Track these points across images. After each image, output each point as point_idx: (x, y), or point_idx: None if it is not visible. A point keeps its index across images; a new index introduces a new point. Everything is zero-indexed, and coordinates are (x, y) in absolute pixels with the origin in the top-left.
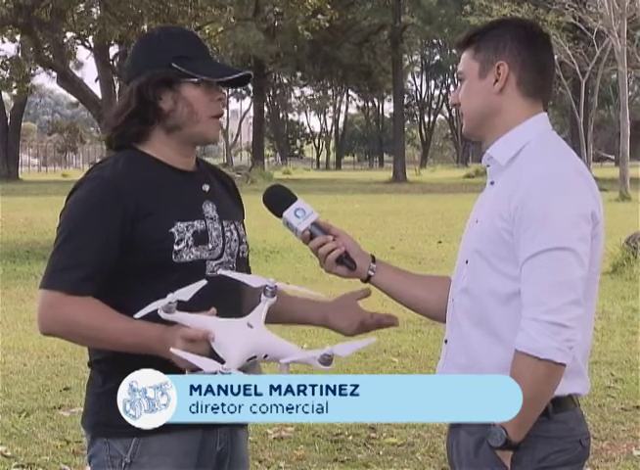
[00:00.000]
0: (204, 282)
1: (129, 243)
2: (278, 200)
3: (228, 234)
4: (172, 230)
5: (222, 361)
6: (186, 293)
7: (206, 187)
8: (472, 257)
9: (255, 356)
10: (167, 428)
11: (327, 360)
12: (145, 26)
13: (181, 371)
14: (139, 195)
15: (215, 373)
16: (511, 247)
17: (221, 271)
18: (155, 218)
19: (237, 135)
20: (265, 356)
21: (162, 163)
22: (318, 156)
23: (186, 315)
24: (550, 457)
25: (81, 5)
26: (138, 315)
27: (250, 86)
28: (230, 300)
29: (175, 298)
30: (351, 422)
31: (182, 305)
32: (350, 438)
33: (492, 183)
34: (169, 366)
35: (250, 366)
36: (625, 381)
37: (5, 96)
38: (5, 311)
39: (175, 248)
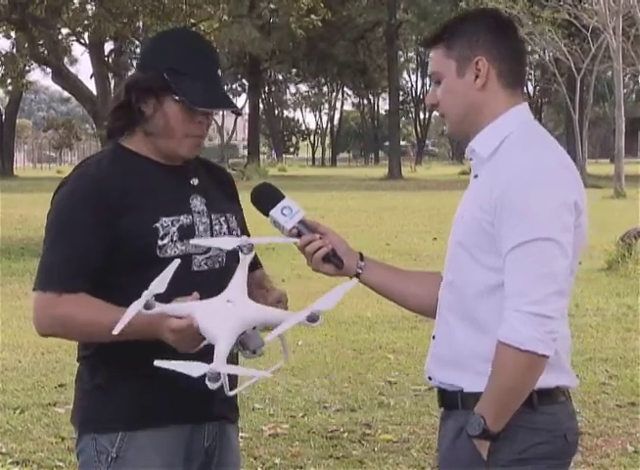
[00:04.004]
0: (176, 263)
1: (115, 239)
2: (265, 199)
3: (217, 227)
4: (157, 225)
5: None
6: (160, 284)
7: (195, 181)
8: (455, 249)
9: (245, 331)
10: (155, 423)
11: (314, 318)
12: (140, 23)
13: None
14: (123, 191)
15: (204, 376)
16: (492, 238)
17: (192, 241)
18: (139, 214)
19: (232, 132)
20: (254, 328)
21: (148, 158)
22: (313, 152)
23: (167, 306)
24: (530, 449)
25: (76, 1)
26: (116, 331)
27: (245, 83)
28: (216, 294)
29: (151, 293)
30: (346, 419)
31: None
32: (345, 434)
33: (476, 177)
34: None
35: (249, 338)
36: (620, 378)
37: None
38: (0, 308)
39: (159, 243)
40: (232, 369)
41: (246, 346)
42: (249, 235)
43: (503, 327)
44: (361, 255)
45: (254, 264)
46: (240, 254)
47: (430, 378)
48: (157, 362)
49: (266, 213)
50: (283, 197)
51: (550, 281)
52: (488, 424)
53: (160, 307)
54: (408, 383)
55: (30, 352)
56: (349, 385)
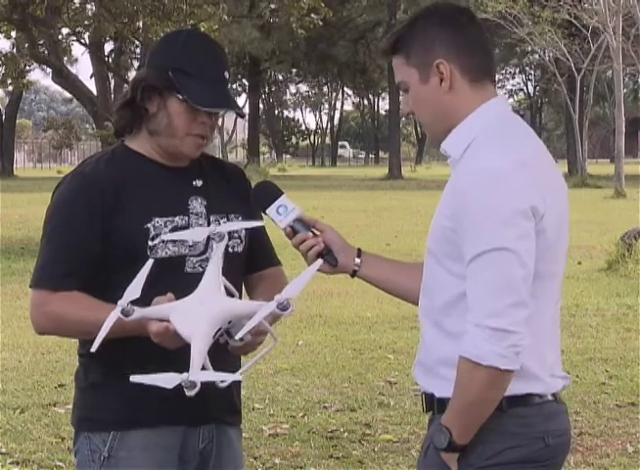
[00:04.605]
0: (148, 265)
1: (108, 238)
2: (262, 197)
3: None
4: (148, 225)
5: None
6: (134, 290)
7: (199, 182)
8: (425, 255)
9: (220, 328)
10: (147, 423)
11: (285, 306)
12: (140, 23)
13: (157, 362)
14: (119, 191)
15: (180, 384)
16: (456, 245)
17: (164, 236)
18: (132, 214)
19: (232, 132)
20: (229, 323)
21: (149, 159)
22: (314, 152)
23: (146, 310)
24: (502, 453)
25: (76, 1)
26: (93, 349)
27: (245, 83)
28: None
29: (126, 300)
30: (346, 419)
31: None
32: (346, 434)
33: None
34: (149, 360)
35: (232, 328)
36: (620, 378)
37: None
38: (0, 308)
39: (150, 243)
40: (206, 377)
41: (231, 335)
42: (265, 233)
43: (464, 342)
44: (359, 251)
45: (268, 262)
46: (213, 243)
47: (416, 383)
48: (132, 378)
49: (264, 212)
50: (280, 195)
51: (507, 293)
52: (454, 437)
53: (139, 312)
54: (408, 383)
55: (30, 352)
56: (349, 385)
